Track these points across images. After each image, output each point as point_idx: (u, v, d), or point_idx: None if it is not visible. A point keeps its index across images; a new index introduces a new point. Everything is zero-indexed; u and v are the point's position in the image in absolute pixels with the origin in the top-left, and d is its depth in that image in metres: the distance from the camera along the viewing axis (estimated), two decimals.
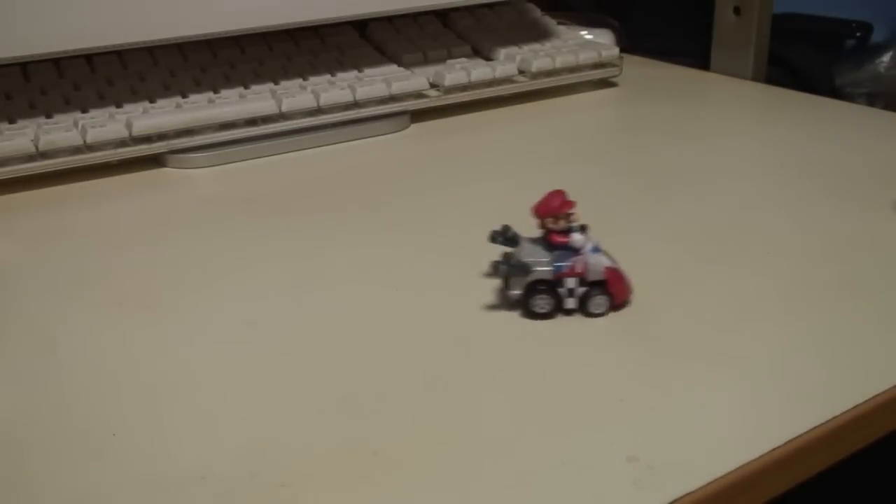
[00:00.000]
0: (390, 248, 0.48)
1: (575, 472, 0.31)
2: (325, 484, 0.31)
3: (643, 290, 0.43)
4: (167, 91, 0.64)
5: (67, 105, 0.61)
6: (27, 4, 0.54)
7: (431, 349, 0.39)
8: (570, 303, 0.41)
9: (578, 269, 0.40)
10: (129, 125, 0.59)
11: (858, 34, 0.93)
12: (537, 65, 0.71)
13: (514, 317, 0.41)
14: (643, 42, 0.87)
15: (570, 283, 0.40)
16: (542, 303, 0.41)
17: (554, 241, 0.41)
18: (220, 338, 0.40)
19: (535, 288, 0.40)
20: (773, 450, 0.32)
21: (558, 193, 0.41)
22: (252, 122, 0.63)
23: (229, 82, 0.66)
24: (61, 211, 0.54)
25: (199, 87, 0.65)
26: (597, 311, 0.41)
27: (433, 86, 0.69)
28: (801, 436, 0.33)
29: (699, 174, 0.57)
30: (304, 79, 0.67)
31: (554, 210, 0.41)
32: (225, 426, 0.34)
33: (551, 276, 0.40)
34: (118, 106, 0.62)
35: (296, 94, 0.64)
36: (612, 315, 0.41)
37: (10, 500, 0.30)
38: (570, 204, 0.41)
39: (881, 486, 0.62)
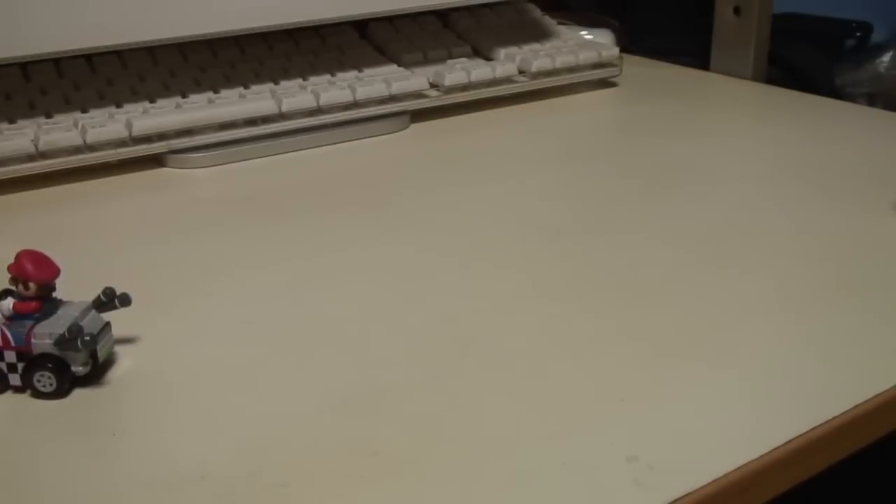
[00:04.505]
0: (390, 248, 0.48)
1: (575, 472, 0.31)
2: (325, 484, 0.31)
3: (643, 289, 0.43)
4: (167, 91, 0.64)
5: (67, 105, 0.61)
6: (27, 4, 0.54)
7: (431, 349, 0.39)
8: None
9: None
10: (129, 125, 0.59)
11: (858, 34, 0.93)
12: (537, 65, 0.71)
13: (512, 318, 0.41)
14: (643, 42, 0.87)
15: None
16: None
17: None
18: (220, 338, 0.40)
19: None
20: (773, 450, 0.32)
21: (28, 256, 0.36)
22: (252, 122, 0.63)
23: (229, 82, 0.66)
24: (61, 211, 0.54)
25: (199, 87, 0.65)
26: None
27: (433, 86, 0.69)
28: (801, 436, 0.33)
29: (699, 174, 0.57)
30: (304, 79, 0.67)
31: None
32: (225, 426, 0.34)
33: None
34: (118, 106, 0.62)
35: (296, 94, 0.64)
36: (612, 314, 0.41)
37: (10, 500, 0.30)
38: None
39: (881, 486, 0.62)
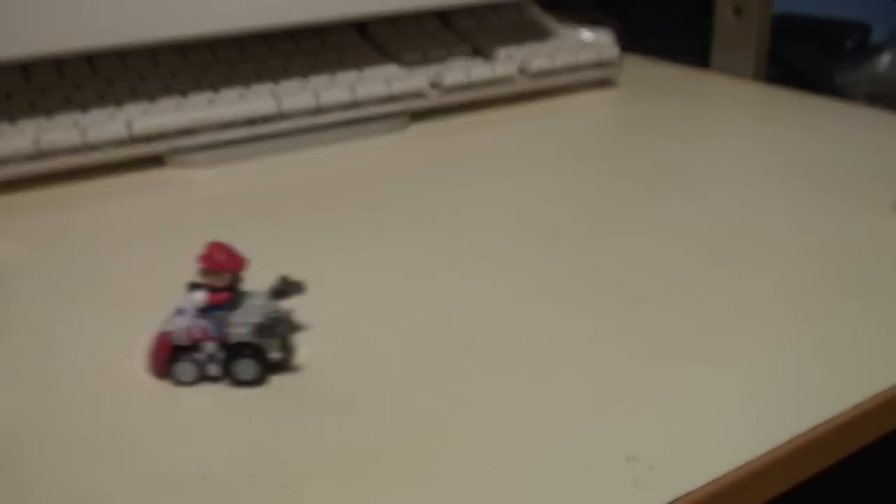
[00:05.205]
0: (390, 248, 0.48)
1: (575, 472, 0.31)
2: (325, 484, 0.31)
3: (643, 289, 0.43)
4: (167, 91, 0.64)
5: (67, 105, 0.61)
6: (27, 4, 0.54)
7: (431, 349, 0.39)
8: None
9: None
10: (129, 125, 0.59)
11: (857, 34, 0.93)
12: (537, 65, 0.71)
13: (512, 318, 0.41)
14: (643, 42, 0.87)
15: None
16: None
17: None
18: None
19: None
20: (773, 450, 0.32)
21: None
22: (252, 121, 0.63)
23: (229, 82, 0.66)
24: (62, 211, 0.54)
25: (199, 87, 0.65)
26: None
27: (433, 85, 0.69)
28: (801, 436, 0.33)
29: (699, 174, 0.57)
30: (304, 79, 0.67)
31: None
32: (225, 426, 0.34)
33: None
34: (118, 106, 0.62)
35: (296, 93, 0.64)
36: (612, 314, 0.41)
37: (10, 500, 0.30)
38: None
39: (881, 486, 0.62)
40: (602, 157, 0.61)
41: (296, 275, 0.45)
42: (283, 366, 0.37)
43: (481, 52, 0.74)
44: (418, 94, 0.68)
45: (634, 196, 0.54)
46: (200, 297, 0.37)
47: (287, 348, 0.37)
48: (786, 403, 0.35)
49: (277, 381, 0.37)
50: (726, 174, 0.57)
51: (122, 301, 0.43)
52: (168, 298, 0.44)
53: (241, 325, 0.36)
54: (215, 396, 0.36)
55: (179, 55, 0.68)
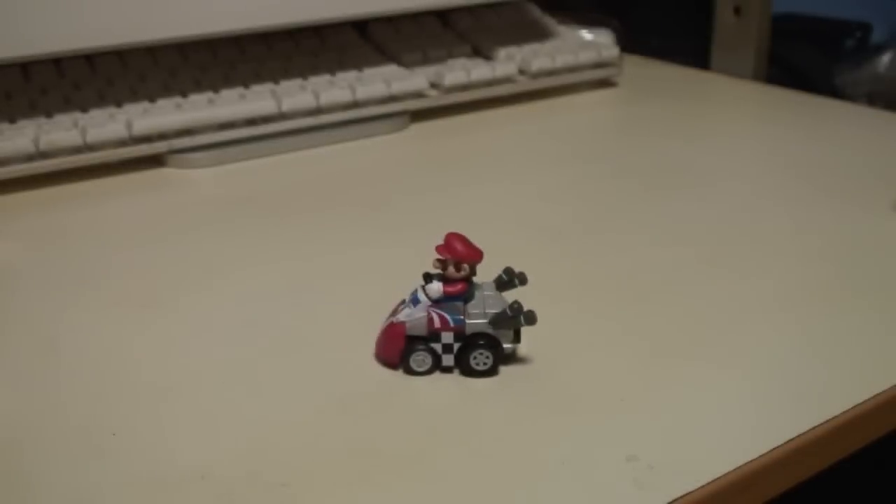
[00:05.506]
0: (390, 249, 0.48)
1: (575, 472, 0.31)
2: (325, 484, 0.31)
3: (643, 289, 0.43)
4: (167, 91, 0.64)
5: (67, 105, 0.61)
6: (27, 4, 0.54)
7: None
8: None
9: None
10: (129, 125, 0.59)
11: (858, 34, 0.93)
12: (537, 65, 0.71)
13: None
14: (643, 42, 0.87)
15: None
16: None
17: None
18: (220, 338, 0.40)
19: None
20: (773, 450, 0.32)
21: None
22: (252, 122, 0.63)
23: (229, 82, 0.66)
24: (61, 211, 0.54)
25: (199, 87, 0.65)
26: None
27: (433, 85, 0.69)
28: (801, 436, 0.33)
29: (699, 174, 0.57)
30: (304, 79, 0.67)
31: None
32: (225, 426, 0.34)
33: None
34: (118, 106, 0.62)
35: (296, 93, 0.64)
36: (612, 314, 0.41)
37: (10, 501, 0.30)
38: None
39: (881, 486, 0.62)
40: (602, 157, 0.61)
41: (295, 275, 0.46)
42: (513, 357, 0.37)
43: (481, 52, 0.74)
44: (418, 94, 0.68)
45: (634, 196, 0.54)
46: (437, 287, 0.36)
47: (518, 340, 0.37)
48: (786, 403, 0.35)
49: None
50: (726, 174, 0.57)
51: (122, 300, 0.43)
52: (167, 298, 0.44)
53: (479, 315, 0.36)
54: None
55: (179, 55, 0.68)
